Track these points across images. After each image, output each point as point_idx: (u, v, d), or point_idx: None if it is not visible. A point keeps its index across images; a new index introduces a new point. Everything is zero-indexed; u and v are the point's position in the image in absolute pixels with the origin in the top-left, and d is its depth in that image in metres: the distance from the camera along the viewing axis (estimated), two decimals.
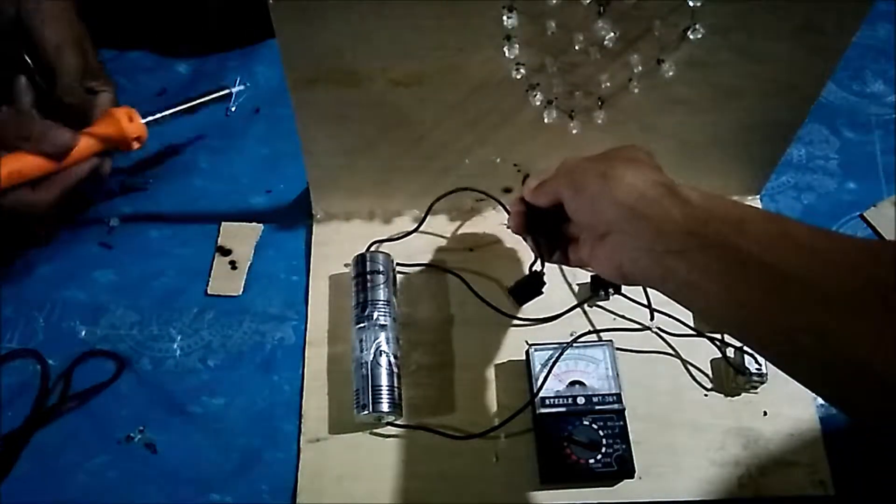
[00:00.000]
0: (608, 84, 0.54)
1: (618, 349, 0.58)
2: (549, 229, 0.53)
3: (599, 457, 0.54)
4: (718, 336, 0.59)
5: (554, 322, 0.61)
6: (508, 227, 0.62)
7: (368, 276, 0.59)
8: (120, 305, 0.62)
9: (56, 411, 0.57)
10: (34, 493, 0.55)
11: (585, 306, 0.62)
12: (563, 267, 0.63)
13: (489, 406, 0.57)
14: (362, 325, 0.57)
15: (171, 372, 0.59)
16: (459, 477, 0.55)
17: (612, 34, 0.49)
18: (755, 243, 0.37)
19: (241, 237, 0.65)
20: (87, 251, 0.64)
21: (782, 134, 0.60)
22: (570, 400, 0.56)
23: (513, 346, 0.60)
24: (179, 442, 0.57)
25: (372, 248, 0.62)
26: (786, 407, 0.58)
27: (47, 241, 0.64)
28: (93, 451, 0.56)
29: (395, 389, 0.56)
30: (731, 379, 0.59)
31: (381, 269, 0.60)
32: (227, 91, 0.64)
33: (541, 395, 0.56)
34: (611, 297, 0.62)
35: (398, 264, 0.63)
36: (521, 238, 0.64)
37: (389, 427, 0.57)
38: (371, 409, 0.54)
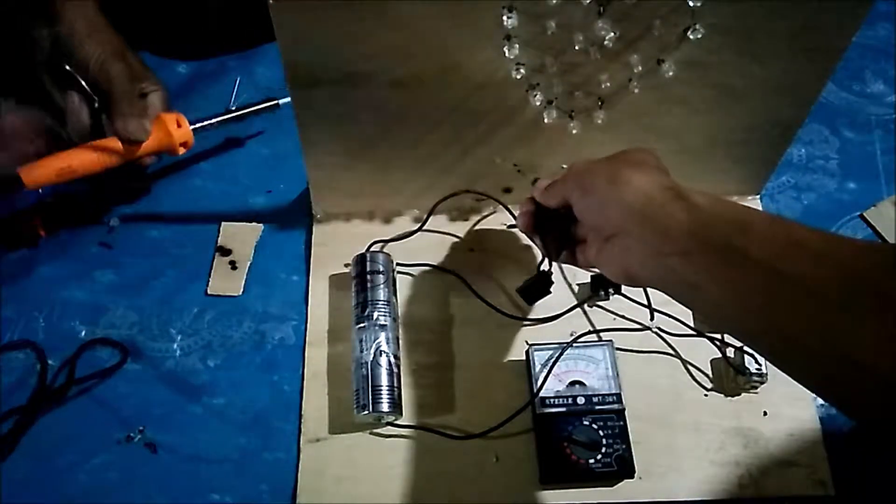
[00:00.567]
0: (608, 84, 0.54)
1: (618, 349, 0.58)
2: (556, 229, 0.53)
3: (599, 457, 0.54)
4: (718, 336, 0.59)
5: (554, 322, 0.61)
6: (516, 227, 0.63)
7: (368, 276, 0.59)
8: (120, 305, 0.62)
9: (59, 397, 0.57)
10: (34, 493, 0.55)
11: (585, 306, 0.62)
12: (564, 267, 0.63)
13: (489, 406, 0.57)
14: (362, 325, 0.57)
15: (171, 372, 0.59)
16: (459, 477, 0.55)
17: (612, 34, 0.49)
18: (758, 246, 0.37)
19: (241, 237, 0.65)
20: (87, 251, 0.64)
21: (782, 134, 0.60)
22: (570, 400, 0.56)
23: (513, 346, 0.60)
24: (179, 442, 0.57)
25: (372, 248, 0.62)
26: (786, 407, 0.58)
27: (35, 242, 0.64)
28: (93, 451, 0.56)
29: (395, 389, 0.56)
30: (731, 379, 0.59)
31: (381, 269, 0.60)
32: (274, 102, 0.66)
33: (541, 395, 0.56)
34: (611, 297, 0.62)
35: (398, 264, 0.63)
36: (521, 238, 0.64)
37: (389, 427, 0.57)
38: (371, 409, 0.54)
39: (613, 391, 0.56)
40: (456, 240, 0.65)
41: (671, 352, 0.60)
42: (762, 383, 0.57)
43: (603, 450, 0.54)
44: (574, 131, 0.57)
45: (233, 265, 0.64)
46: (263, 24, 0.48)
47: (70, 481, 0.55)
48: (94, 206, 0.66)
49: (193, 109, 0.64)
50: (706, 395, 0.59)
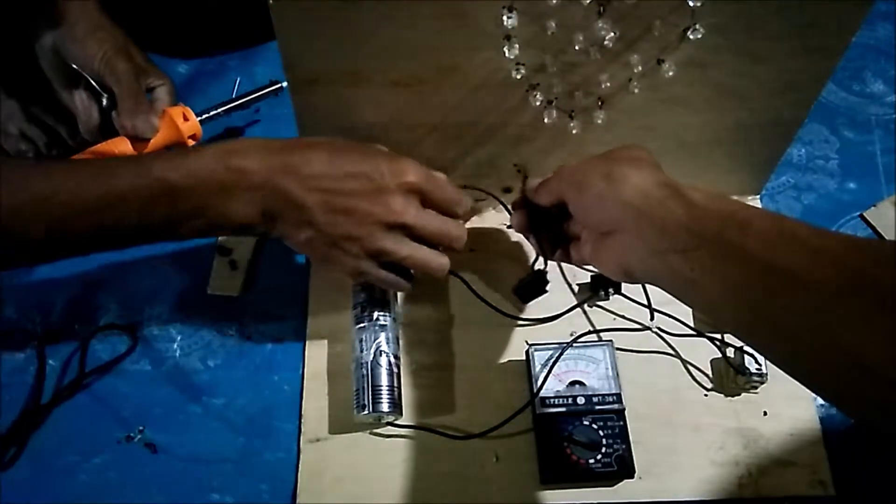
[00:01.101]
0: (608, 84, 0.54)
1: (618, 349, 0.58)
2: (551, 228, 0.53)
3: (599, 457, 0.54)
4: (718, 336, 0.59)
5: (554, 322, 0.61)
6: (511, 227, 0.63)
7: None
8: (120, 305, 0.62)
9: (61, 396, 0.57)
10: (34, 493, 0.55)
11: (585, 306, 0.62)
12: (564, 267, 0.63)
13: (489, 406, 0.57)
14: (362, 325, 0.57)
15: (171, 372, 0.59)
16: (459, 477, 0.55)
17: (612, 34, 0.49)
18: (757, 243, 0.37)
19: (242, 237, 0.65)
20: None
21: (782, 134, 0.60)
22: (570, 400, 0.56)
23: (513, 346, 0.60)
24: (179, 442, 0.57)
25: None
26: (786, 407, 0.58)
27: None
28: (93, 451, 0.56)
29: (395, 389, 0.56)
30: (731, 379, 0.59)
31: None
32: (279, 85, 0.67)
33: (541, 395, 0.56)
34: (611, 297, 0.62)
35: None
36: (521, 238, 0.64)
37: (389, 427, 0.57)
38: (371, 409, 0.54)
39: (613, 391, 0.56)
40: None
41: (671, 352, 0.60)
42: (762, 383, 0.57)
43: (603, 450, 0.54)
44: (574, 131, 0.57)
45: (233, 265, 0.64)
46: (263, 24, 0.48)
47: (70, 481, 0.55)
48: None
49: (194, 108, 0.64)
50: (706, 395, 0.59)
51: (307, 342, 0.61)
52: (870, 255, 0.35)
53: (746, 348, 0.57)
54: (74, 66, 0.60)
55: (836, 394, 0.36)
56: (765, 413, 0.58)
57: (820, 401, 0.59)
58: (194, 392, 0.59)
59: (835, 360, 0.34)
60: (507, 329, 0.61)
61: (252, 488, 0.55)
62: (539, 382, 0.56)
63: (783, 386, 0.58)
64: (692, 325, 0.60)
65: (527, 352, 0.58)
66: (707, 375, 0.59)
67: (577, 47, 0.50)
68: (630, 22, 0.49)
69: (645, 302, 0.61)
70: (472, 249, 0.65)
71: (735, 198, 0.65)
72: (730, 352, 0.58)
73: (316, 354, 0.60)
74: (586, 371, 0.57)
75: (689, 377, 0.59)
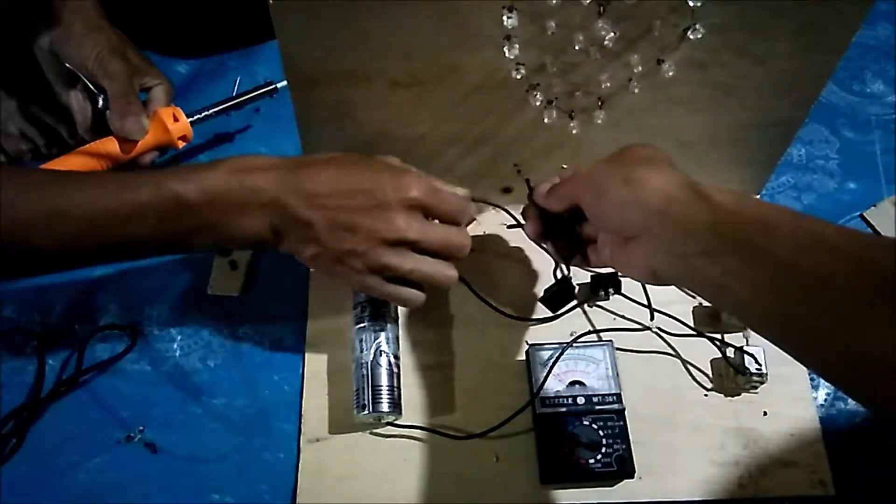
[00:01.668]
0: (608, 84, 0.54)
1: (618, 349, 0.58)
2: (564, 232, 0.52)
3: (599, 457, 0.54)
4: (718, 336, 0.59)
5: (554, 322, 0.61)
6: (516, 227, 0.62)
7: None
8: (120, 305, 0.62)
9: (61, 395, 0.57)
10: (34, 492, 0.55)
11: (585, 306, 0.62)
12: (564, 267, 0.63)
13: (489, 406, 0.57)
14: (362, 325, 0.57)
15: (171, 372, 0.59)
16: (459, 477, 0.55)
17: (612, 34, 0.49)
18: (783, 246, 0.37)
19: None
20: None
21: (782, 134, 0.60)
22: (570, 400, 0.56)
23: (513, 346, 0.60)
24: (179, 442, 0.57)
25: None
26: (786, 407, 0.58)
27: None
28: (93, 452, 0.56)
29: (395, 389, 0.56)
30: (731, 379, 0.59)
31: None
32: (272, 87, 0.66)
33: (541, 395, 0.56)
34: (611, 297, 0.62)
35: None
36: (521, 239, 0.64)
37: (389, 427, 0.57)
38: (371, 409, 0.54)
39: (613, 391, 0.56)
40: None
41: (671, 352, 0.60)
42: (762, 383, 0.57)
43: (603, 450, 0.54)
44: (574, 131, 0.57)
45: (233, 265, 0.64)
46: (263, 24, 0.48)
47: (70, 481, 0.55)
48: None
49: (194, 108, 0.64)
50: (706, 395, 0.59)
51: (307, 342, 0.61)
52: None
53: (747, 348, 0.57)
54: (69, 66, 0.60)
55: (868, 395, 0.36)
56: (765, 413, 0.58)
57: (820, 401, 0.59)
58: (194, 392, 0.59)
59: (866, 363, 0.34)
60: (507, 329, 0.61)
61: (252, 488, 0.55)
62: (539, 382, 0.56)
63: (783, 386, 0.58)
64: (692, 325, 0.60)
65: (527, 352, 0.58)
66: (707, 375, 0.59)
67: (577, 47, 0.50)
68: (630, 22, 0.49)
69: (645, 302, 0.61)
70: (471, 249, 0.65)
71: None
72: (730, 352, 0.58)
73: (316, 354, 0.60)
74: (586, 371, 0.57)
75: (689, 377, 0.59)
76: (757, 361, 0.57)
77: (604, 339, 0.60)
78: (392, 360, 0.56)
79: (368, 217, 0.48)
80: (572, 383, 0.57)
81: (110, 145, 0.61)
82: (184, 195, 0.46)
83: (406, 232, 0.48)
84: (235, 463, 0.56)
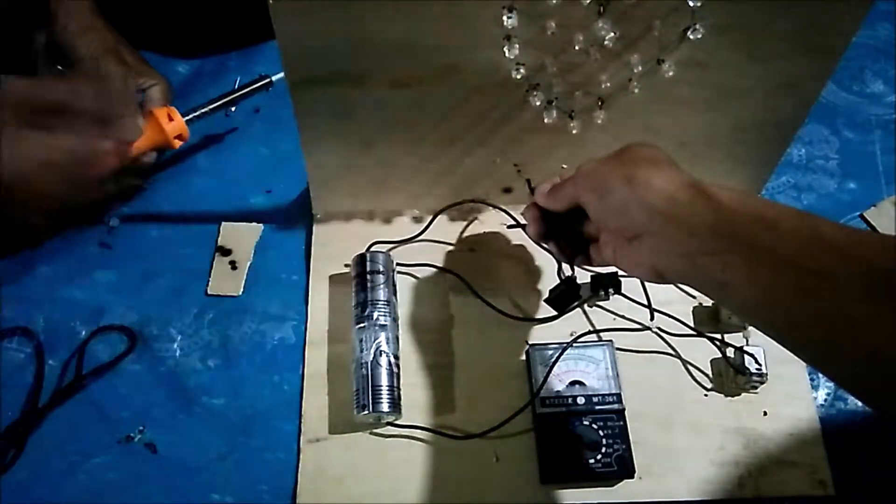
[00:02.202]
0: (608, 84, 0.54)
1: (618, 349, 0.58)
2: (566, 232, 0.52)
3: (599, 457, 0.54)
4: (718, 336, 0.59)
5: (554, 322, 0.61)
6: (516, 227, 0.63)
7: (368, 276, 0.59)
8: (120, 305, 0.62)
9: (62, 395, 0.57)
10: (33, 493, 0.55)
11: (585, 306, 0.62)
12: (564, 267, 0.63)
13: (489, 406, 0.57)
14: (362, 325, 0.57)
15: (171, 372, 0.59)
16: (459, 477, 0.55)
17: (612, 34, 0.49)
18: (787, 244, 0.37)
19: (241, 237, 0.65)
20: (87, 251, 0.64)
21: (782, 134, 0.60)
22: (570, 400, 0.56)
23: (513, 346, 0.60)
24: (179, 442, 0.57)
25: (372, 248, 0.62)
26: (786, 407, 0.58)
27: (41, 241, 0.64)
28: (93, 452, 0.56)
29: (395, 389, 0.56)
30: (731, 379, 0.59)
31: (381, 268, 0.60)
32: (267, 80, 0.65)
33: (541, 395, 0.56)
34: (611, 297, 0.62)
35: (398, 264, 0.63)
36: (520, 239, 0.64)
37: (389, 427, 0.57)
38: (371, 409, 0.54)
39: (613, 391, 0.56)
40: (456, 240, 0.65)
41: (671, 352, 0.60)
42: (762, 383, 0.57)
43: (603, 450, 0.54)
44: (574, 131, 0.57)
45: (233, 265, 0.64)
46: (263, 23, 0.48)
47: (70, 481, 0.55)
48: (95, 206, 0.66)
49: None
50: (706, 395, 0.59)
51: (307, 342, 0.61)
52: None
53: (747, 348, 0.57)
54: (60, 67, 0.59)
55: (872, 394, 0.36)
56: (765, 413, 0.58)
57: (820, 400, 0.59)
58: (194, 392, 0.59)
59: (870, 361, 0.34)
60: (507, 329, 0.61)
61: (252, 488, 0.55)
62: (539, 382, 0.56)
63: (783, 386, 0.58)
64: (692, 325, 0.60)
65: (527, 352, 0.58)
66: (707, 375, 0.59)
67: (577, 47, 0.50)
68: (630, 22, 0.49)
69: (645, 302, 0.61)
70: (471, 249, 0.65)
71: None
72: (730, 352, 0.58)
73: (316, 354, 0.60)
74: (586, 371, 0.57)
75: (689, 377, 0.59)
76: (757, 361, 0.57)
77: (604, 339, 0.60)
78: (392, 360, 0.56)
79: None
80: (572, 383, 0.57)
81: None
82: None
83: None
84: (235, 463, 0.56)
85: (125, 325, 0.61)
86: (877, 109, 0.74)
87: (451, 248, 0.65)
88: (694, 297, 0.62)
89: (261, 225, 0.66)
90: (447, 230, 0.65)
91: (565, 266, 0.55)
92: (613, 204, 0.45)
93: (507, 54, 0.50)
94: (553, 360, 0.57)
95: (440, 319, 0.62)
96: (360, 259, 0.60)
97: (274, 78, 0.65)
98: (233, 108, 0.67)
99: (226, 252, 0.64)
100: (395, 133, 0.58)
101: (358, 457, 0.56)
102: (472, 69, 0.52)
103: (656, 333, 0.61)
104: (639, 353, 0.60)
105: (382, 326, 0.57)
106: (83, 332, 0.60)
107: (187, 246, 0.65)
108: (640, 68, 0.52)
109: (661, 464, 0.56)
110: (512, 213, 0.64)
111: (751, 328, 0.59)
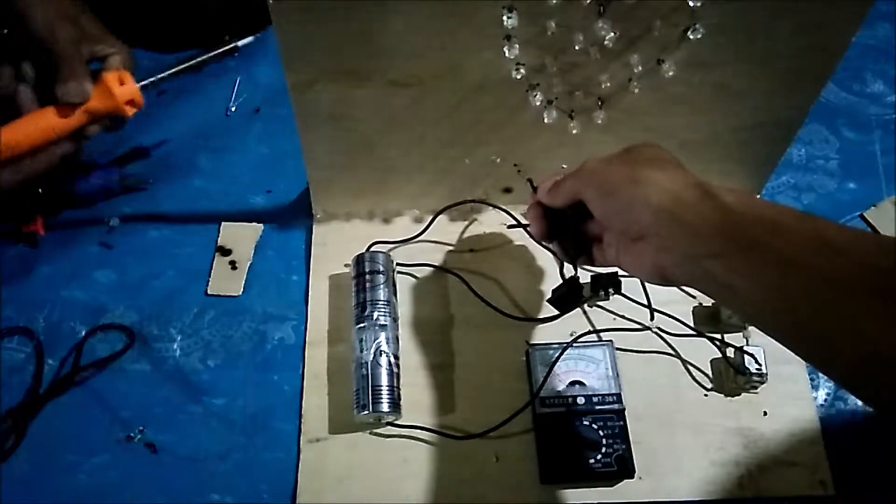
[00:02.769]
0: (608, 84, 0.54)
1: (618, 349, 0.58)
2: (570, 231, 0.52)
3: (599, 457, 0.54)
4: (718, 336, 0.59)
5: (554, 322, 0.61)
6: (516, 227, 0.62)
7: (368, 276, 0.59)
8: (120, 305, 0.62)
9: (60, 392, 0.57)
10: (33, 492, 0.55)
11: (585, 306, 0.62)
12: (564, 267, 0.63)
13: (489, 406, 0.57)
14: (362, 325, 0.57)
15: (171, 372, 0.59)
16: (459, 477, 0.55)
17: (612, 34, 0.49)
18: (790, 246, 0.37)
19: (241, 237, 0.65)
20: (87, 251, 0.64)
21: (782, 134, 0.60)
22: (570, 400, 0.56)
23: (513, 346, 0.60)
24: (179, 442, 0.57)
25: (372, 248, 0.62)
26: (786, 407, 0.58)
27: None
28: (93, 451, 0.56)
29: (395, 389, 0.56)
30: (731, 379, 0.59)
31: (381, 269, 0.60)
32: (233, 45, 0.61)
33: (541, 395, 0.56)
34: (611, 297, 0.62)
35: (398, 264, 0.63)
36: (520, 239, 0.64)
37: (389, 427, 0.57)
38: (371, 409, 0.54)
39: (613, 391, 0.56)
40: (456, 240, 0.65)
41: (671, 352, 0.60)
42: (762, 383, 0.57)
43: (603, 450, 0.54)
44: (574, 131, 0.57)
45: (233, 265, 0.64)
46: (263, 23, 0.48)
47: (70, 481, 0.55)
48: (89, 202, 0.65)
49: (193, 108, 0.64)
50: (706, 395, 0.59)
51: (307, 342, 0.61)
52: None
53: (747, 348, 0.57)
54: (6, 31, 0.57)
55: (875, 396, 0.36)
56: (765, 413, 0.58)
57: (820, 401, 0.59)
58: (194, 392, 0.59)
59: (872, 363, 0.34)
60: (507, 329, 0.61)
61: (252, 488, 0.55)
62: (539, 382, 0.56)
63: (783, 386, 0.58)
64: (692, 325, 0.60)
65: (527, 352, 0.58)
66: (707, 375, 0.59)
67: (577, 47, 0.50)
68: (630, 22, 0.49)
69: (645, 302, 0.61)
70: (471, 250, 0.65)
71: None
72: (730, 352, 0.58)
73: (316, 354, 0.60)
74: (586, 371, 0.57)
75: (689, 377, 0.59)
76: (757, 361, 0.57)
77: (604, 339, 0.60)
78: (392, 360, 0.56)
79: None
80: (572, 383, 0.57)
81: (47, 114, 0.55)
82: None
83: None
84: (235, 463, 0.56)
85: (125, 324, 0.61)
86: (877, 109, 0.74)
87: (451, 248, 0.65)
88: (694, 297, 0.62)
89: (261, 225, 0.66)
90: (447, 230, 0.65)
91: (568, 266, 0.55)
92: (618, 204, 0.44)
93: (507, 54, 0.50)
94: (553, 360, 0.57)
95: (440, 319, 0.62)
96: (360, 259, 0.60)
97: (240, 43, 0.61)
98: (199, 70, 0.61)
99: (226, 252, 0.64)
100: (395, 133, 0.58)
101: (358, 457, 0.56)
102: (472, 69, 0.52)
103: (656, 333, 0.61)
104: (639, 353, 0.60)
105: (382, 326, 0.57)
106: (83, 332, 0.60)
107: (187, 246, 0.65)
108: (640, 68, 0.52)
109: (661, 464, 0.56)
110: (512, 212, 0.64)
111: (751, 328, 0.59)
